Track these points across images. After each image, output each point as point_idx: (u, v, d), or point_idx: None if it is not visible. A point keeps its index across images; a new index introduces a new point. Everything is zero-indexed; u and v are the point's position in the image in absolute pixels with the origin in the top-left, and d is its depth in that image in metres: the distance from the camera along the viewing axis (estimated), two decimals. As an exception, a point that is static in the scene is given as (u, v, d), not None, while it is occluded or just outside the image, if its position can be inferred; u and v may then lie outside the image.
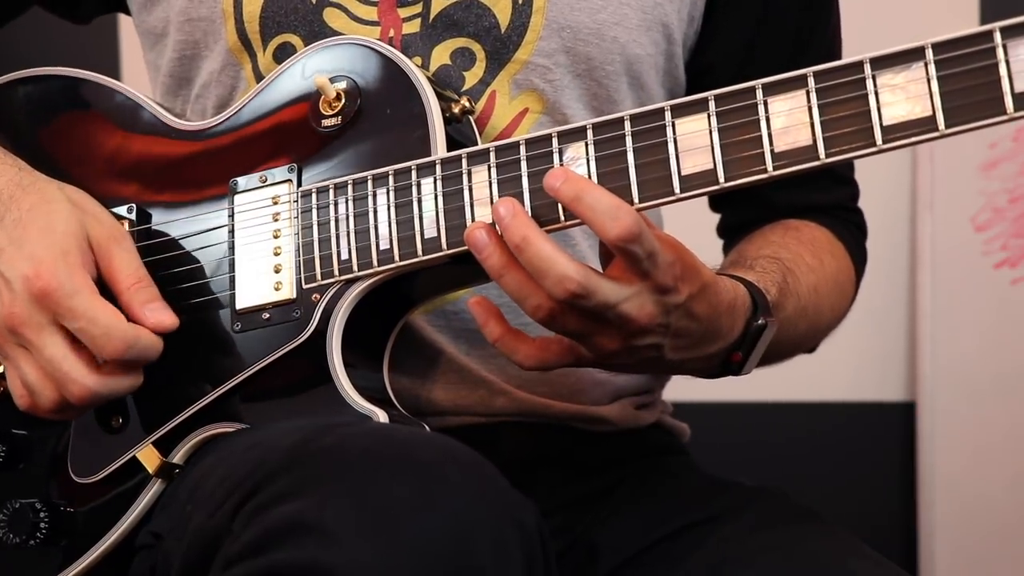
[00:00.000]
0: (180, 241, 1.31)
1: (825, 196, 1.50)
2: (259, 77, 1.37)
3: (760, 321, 1.20)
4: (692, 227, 1.41)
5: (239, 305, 1.26)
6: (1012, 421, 2.53)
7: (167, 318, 1.24)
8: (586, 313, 1.10)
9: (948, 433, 2.54)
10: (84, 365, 1.20)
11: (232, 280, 1.27)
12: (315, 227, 1.24)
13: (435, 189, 1.19)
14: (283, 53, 1.35)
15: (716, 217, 1.56)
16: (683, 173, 1.10)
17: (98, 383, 1.20)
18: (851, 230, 1.51)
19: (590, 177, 1.12)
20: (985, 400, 2.53)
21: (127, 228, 1.30)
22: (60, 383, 1.20)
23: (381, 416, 1.18)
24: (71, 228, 1.22)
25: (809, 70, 1.06)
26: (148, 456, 1.27)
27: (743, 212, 1.51)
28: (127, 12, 1.51)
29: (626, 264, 1.09)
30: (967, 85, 1.00)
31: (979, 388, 2.53)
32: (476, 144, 1.26)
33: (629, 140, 1.12)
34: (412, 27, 1.34)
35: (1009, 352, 2.53)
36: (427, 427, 1.22)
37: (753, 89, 1.08)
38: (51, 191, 1.26)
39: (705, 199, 1.52)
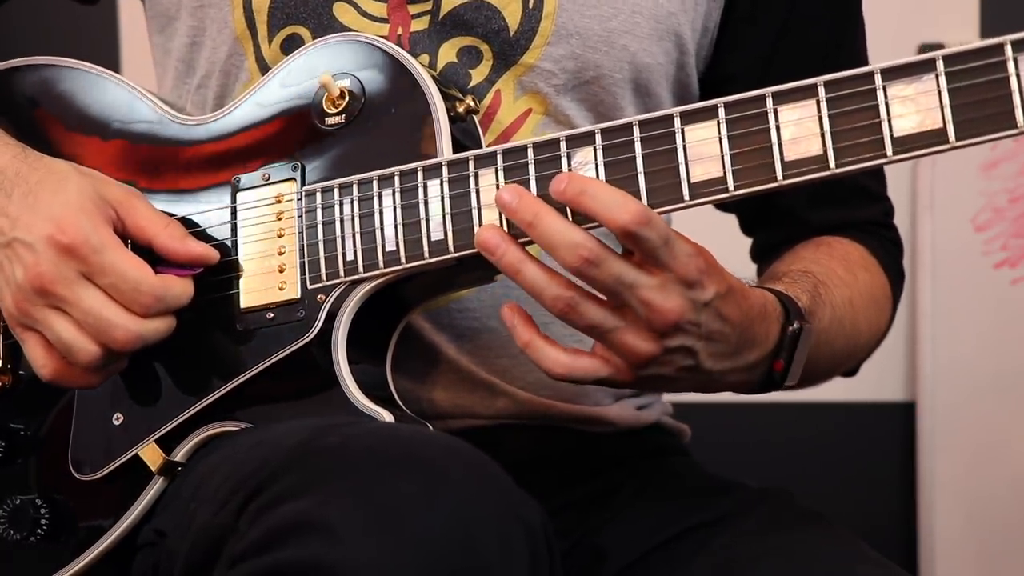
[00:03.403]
0: None
1: (859, 213, 1.49)
2: (263, 68, 1.37)
3: (795, 325, 1.19)
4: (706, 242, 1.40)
5: (243, 304, 1.26)
6: (1012, 421, 2.53)
7: (209, 248, 1.25)
8: (606, 293, 1.10)
9: (948, 433, 2.54)
10: (124, 311, 1.20)
11: (236, 279, 1.27)
12: (320, 227, 1.24)
13: (442, 191, 1.19)
14: (291, 45, 1.35)
15: (729, 234, 1.54)
16: (692, 180, 1.10)
17: (142, 326, 1.20)
18: (886, 246, 1.50)
19: None
20: (985, 400, 2.53)
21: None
22: (103, 332, 1.19)
23: (386, 416, 1.18)
24: (85, 189, 1.22)
25: (820, 79, 1.06)
26: (150, 454, 1.27)
27: (776, 232, 1.49)
28: None
29: (643, 254, 1.08)
30: (978, 98, 1.00)
31: (979, 388, 2.53)
32: (480, 143, 1.26)
33: (638, 146, 1.11)
34: (421, 24, 1.34)
35: (1009, 352, 2.54)
36: (430, 427, 1.22)
37: (763, 97, 1.08)
38: (58, 165, 1.26)
39: (735, 222, 1.51)
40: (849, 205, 1.47)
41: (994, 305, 2.54)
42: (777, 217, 1.48)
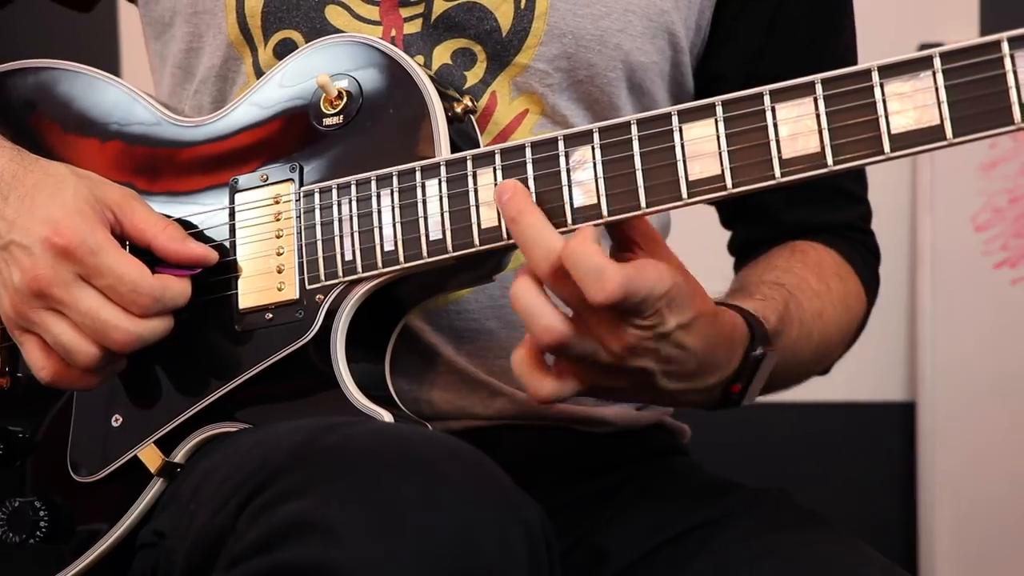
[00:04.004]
0: None
1: (836, 215, 1.49)
2: (259, 73, 1.37)
3: (758, 351, 1.19)
4: (699, 239, 1.40)
5: (241, 305, 1.26)
6: (1012, 421, 2.53)
7: (208, 249, 1.25)
8: (569, 305, 1.09)
9: (948, 433, 2.55)
10: (122, 312, 1.20)
11: (234, 280, 1.27)
12: (318, 227, 1.24)
13: (440, 191, 1.18)
14: (284, 49, 1.35)
15: (722, 232, 1.55)
16: (690, 178, 1.10)
17: (141, 326, 1.20)
18: (861, 252, 1.50)
19: (596, 180, 1.12)
20: (985, 400, 2.53)
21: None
22: (101, 333, 1.19)
23: (385, 416, 1.18)
24: (81, 192, 1.22)
25: (817, 77, 1.06)
26: (149, 455, 1.27)
27: (754, 229, 1.49)
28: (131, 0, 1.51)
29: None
30: (975, 95, 1.00)
31: (979, 388, 2.54)
32: (478, 143, 1.26)
33: (636, 144, 1.11)
34: (413, 27, 1.34)
35: (1009, 352, 2.54)
36: (430, 427, 1.22)
37: (760, 95, 1.08)
38: (54, 167, 1.26)
39: (715, 216, 1.52)
40: (827, 206, 1.47)
41: (994, 305, 2.54)
42: (755, 214, 1.48)
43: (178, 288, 1.22)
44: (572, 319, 1.10)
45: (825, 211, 1.47)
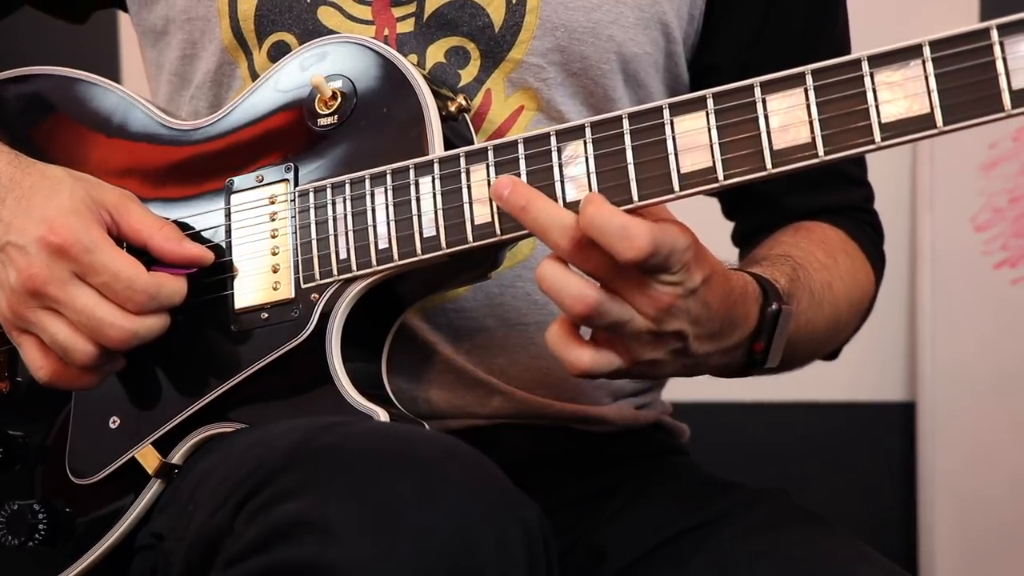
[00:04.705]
0: None
1: (838, 198, 1.48)
2: (255, 76, 1.37)
3: (773, 306, 1.19)
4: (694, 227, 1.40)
5: (237, 305, 1.26)
6: (1012, 421, 2.53)
7: (204, 249, 1.26)
8: (598, 277, 1.09)
9: (948, 433, 2.54)
10: (118, 309, 1.20)
11: (230, 280, 1.27)
12: (313, 226, 1.24)
13: (433, 188, 1.19)
14: (278, 52, 1.35)
15: (720, 229, 1.54)
16: (682, 171, 1.09)
17: (137, 323, 1.21)
18: (866, 230, 1.49)
19: (589, 175, 1.12)
20: (985, 400, 2.53)
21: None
22: (97, 331, 1.20)
23: (382, 415, 1.18)
24: (77, 193, 1.23)
25: (807, 68, 1.06)
26: (147, 457, 1.27)
27: (756, 217, 1.49)
28: (124, 8, 1.51)
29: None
30: (965, 82, 1.00)
31: (979, 388, 2.53)
32: (472, 142, 1.27)
33: (628, 138, 1.11)
34: (406, 26, 1.34)
35: (1009, 352, 2.53)
36: (427, 426, 1.22)
37: (751, 87, 1.08)
38: (51, 170, 1.27)
39: (717, 207, 1.51)
40: (828, 190, 1.46)
41: (994, 305, 2.54)
42: (756, 202, 1.48)
43: (173, 286, 1.23)
44: (602, 288, 1.09)
45: (826, 194, 1.47)
